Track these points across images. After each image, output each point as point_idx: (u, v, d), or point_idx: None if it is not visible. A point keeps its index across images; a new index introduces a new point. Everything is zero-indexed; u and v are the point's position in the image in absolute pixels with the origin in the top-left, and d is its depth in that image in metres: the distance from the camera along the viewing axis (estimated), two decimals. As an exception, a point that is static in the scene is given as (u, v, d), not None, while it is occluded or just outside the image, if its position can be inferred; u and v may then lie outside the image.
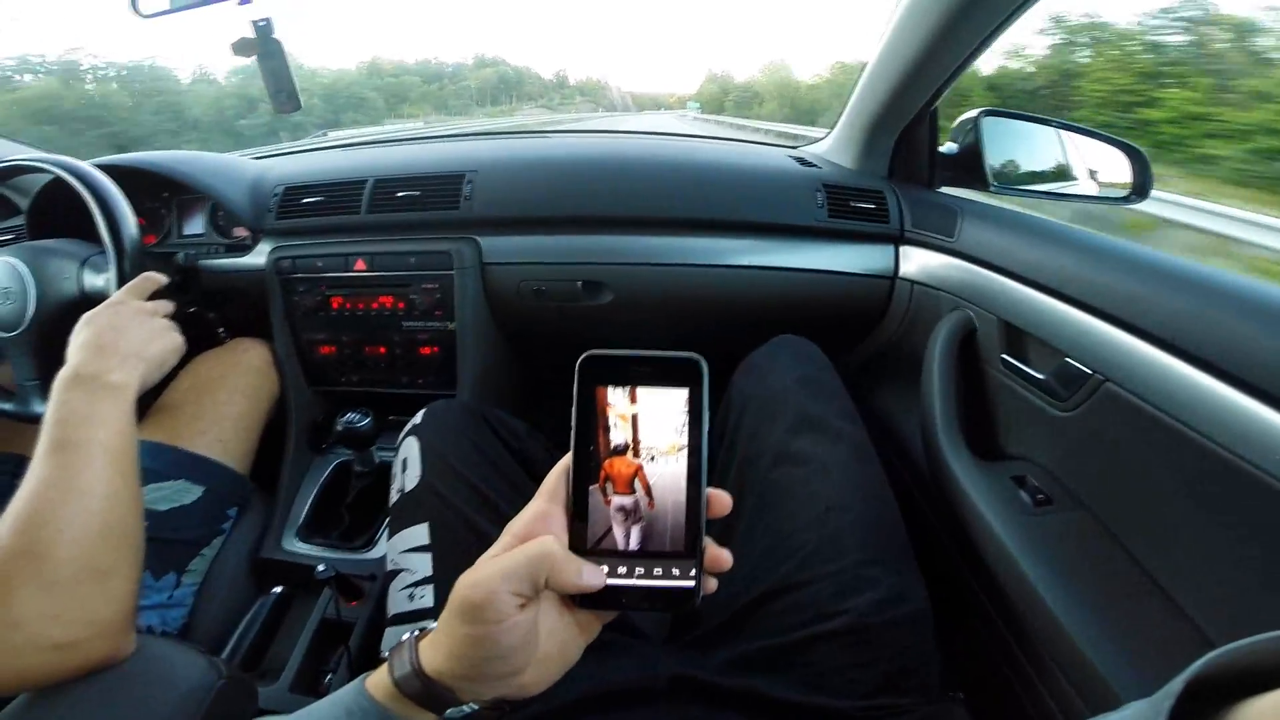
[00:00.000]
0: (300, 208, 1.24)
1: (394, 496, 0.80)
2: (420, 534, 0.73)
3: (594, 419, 0.43)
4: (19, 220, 1.31)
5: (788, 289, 1.21)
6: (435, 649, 0.41)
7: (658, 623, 0.83)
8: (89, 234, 1.04)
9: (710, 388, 0.43)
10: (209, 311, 1.28)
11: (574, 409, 0.43)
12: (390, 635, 0.73)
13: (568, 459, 0.44)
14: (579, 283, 1.21)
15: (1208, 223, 4.15)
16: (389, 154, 1.47)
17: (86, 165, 1.03)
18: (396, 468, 0.82)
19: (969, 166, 1.13)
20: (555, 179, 1.24)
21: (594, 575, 0.41)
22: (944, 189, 1.21)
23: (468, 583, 0.40)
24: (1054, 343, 0.81)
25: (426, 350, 1.24)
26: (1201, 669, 0.27)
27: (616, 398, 0.43)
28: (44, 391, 1.00)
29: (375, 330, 1.24)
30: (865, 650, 0.65)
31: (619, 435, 0.43)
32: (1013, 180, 1.14)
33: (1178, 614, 0.66)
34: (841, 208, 1.19)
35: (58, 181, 1.04)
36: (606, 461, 0.43)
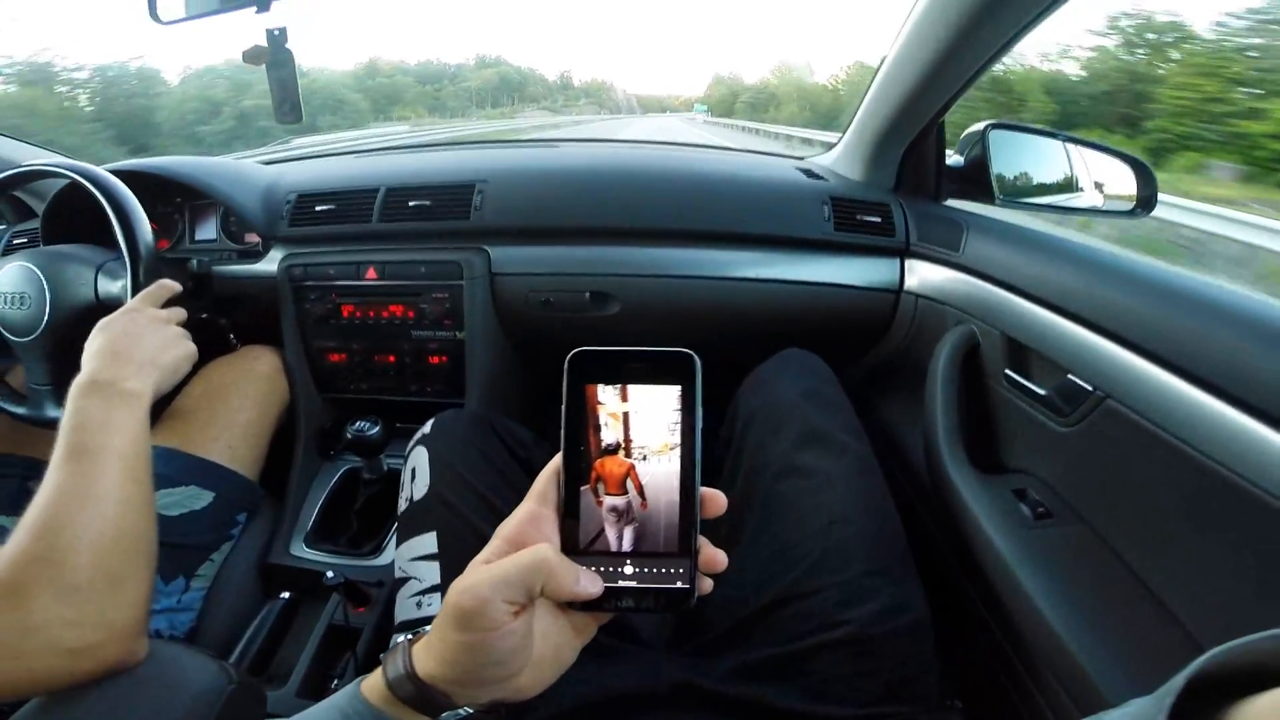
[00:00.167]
0: (313, 215, 1.25)
1: (403, 505, 0.81)
2: (428, 542, 0.74)
3: (584, 418, 0.43)
4: (34, 224, 1.32)
5: (793, 302, 1.21)
6: (429, 654, 0.41)
7: (660, 630, 0.84)
8: (104, 239, 1.04)
9: (711, 391, 0.43)
10: (221, 318, 1.29)
11: (563, 408, 0.43)
12: (396, 642, 0.73)
13: (558, 459, 0.44)
14: (586, 294, 1.21)
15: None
16: (400, 162, 1.48)
17: (102, 171, 1.04)
18: (405, 476, 0.82)
19: (975, 179, 1.13)
20: (564, 190, 1.25)
21: (591, 582, 0.41)
22: (950, 201, 1.21)
23: (460, 589, 0.39)
24: (1057, 358, 0.82)
25: (435, 359, 1.24)
26: (1203, 666, 0.27)
27: (607, 396, 0.43)
28: (57, 396, 1.01)
29: (385, 339, 1.24)
30: (867, 660, 0.66)
31: (610, 434, 0.43)
32: (1019, 193, 1.14)
33: (1176, 628, 0.66)
34: (848, 221, 1.19)
35: (74, 186, 1.05)
36: (598, 461, 0.43)
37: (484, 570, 0.40)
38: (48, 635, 0.57)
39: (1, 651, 0.56)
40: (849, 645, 0.66)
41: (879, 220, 1.19)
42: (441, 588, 0.71)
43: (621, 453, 0.43)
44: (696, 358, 0.42)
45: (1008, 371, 0.92)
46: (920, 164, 1.21)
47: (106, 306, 0.98)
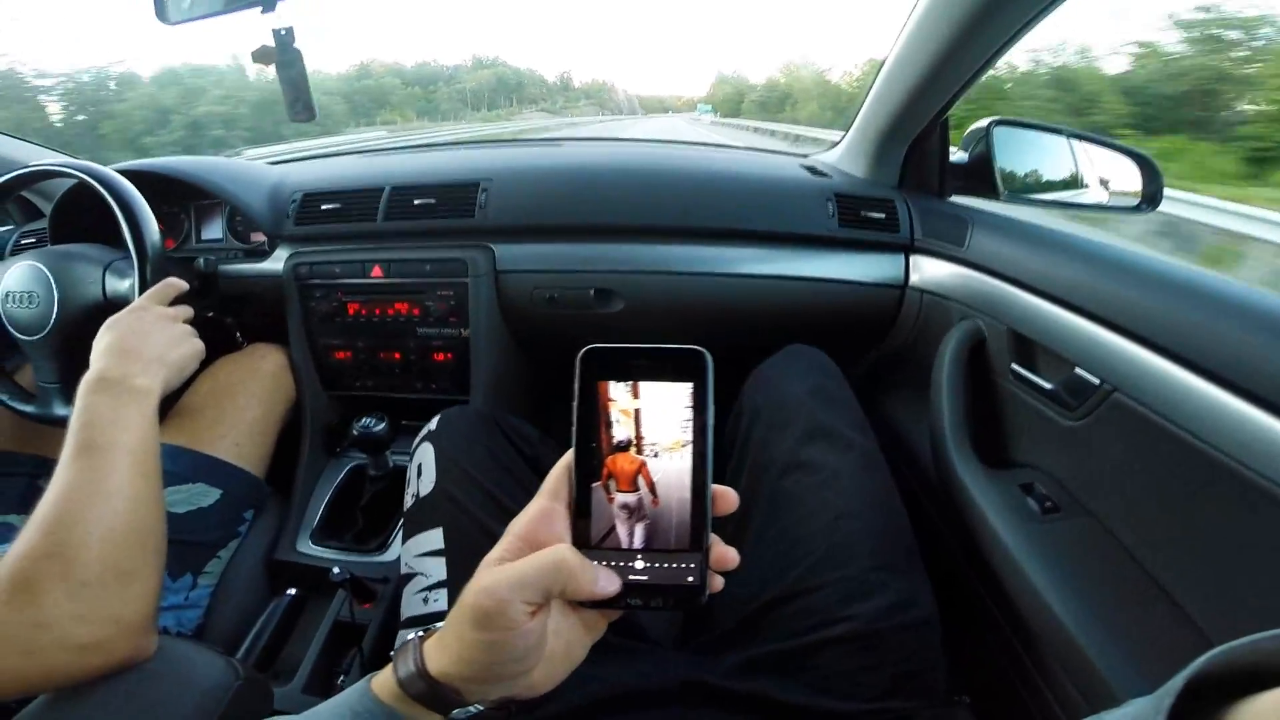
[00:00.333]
0: (318, 214, 1.25)
1: (408, 501, 0.81)
2: (434, 539, 0.74)
3: (596, 415, 0.43)
4: (42, 224, 1.33)
5: (798, 298, 1.21)
6: (443, 651, 0.41)
7: (668, 626, 0.84)
8: (111, 239, 1.05)
9: (716, 388, 0.42)
10: (227, 316, 1.30)
11: (575, 404, 0.43)
12: (403, 638, 0.73)
13: (570, 456, 0.44)
14: (591, 291, 1.21)
15: None
16: (405, 162, 1.48)
17: (110, 171, 1.05)
18: (411, 473, 0.83)
19: (980, 175, 1.13)
20: (568, 187, 1.25)
21: (609, 581, 0.41)
22: (954, 198, 1.21)
23: (479, 589, 0.39)
24: (1063, 353, 0.82)
25: (440, 356, 1.25)
26: (1203, 666, 0.28)
27: (619, 393, 0.43)
28: (65, 394, 1.02)
29: (390, 336, 1.25)
30: (873, 655, 0.65)
31: (621, 431, 0.43)
32: (1023, 189, 1.14)
33: (1184, 622, 0.66)
34: (852, 217, 1.19)
35: (81, 186, 1.06)
36: (609, 458, 0.43)
37: (503, 571, 0.39)
38: (58, 631, 0.58)
39: (12, 647, 0.56)
40: (854, 640, 0.66)
41: (883, 216, 1.19)
42: (448, 583, 0.71)
43: (633, 449, 0.43)
44: (708, 355, 0.42)
45: (1014, 366, 0.92)
46: (924, 160, 1.21)
47: (114, 305, 0.99)
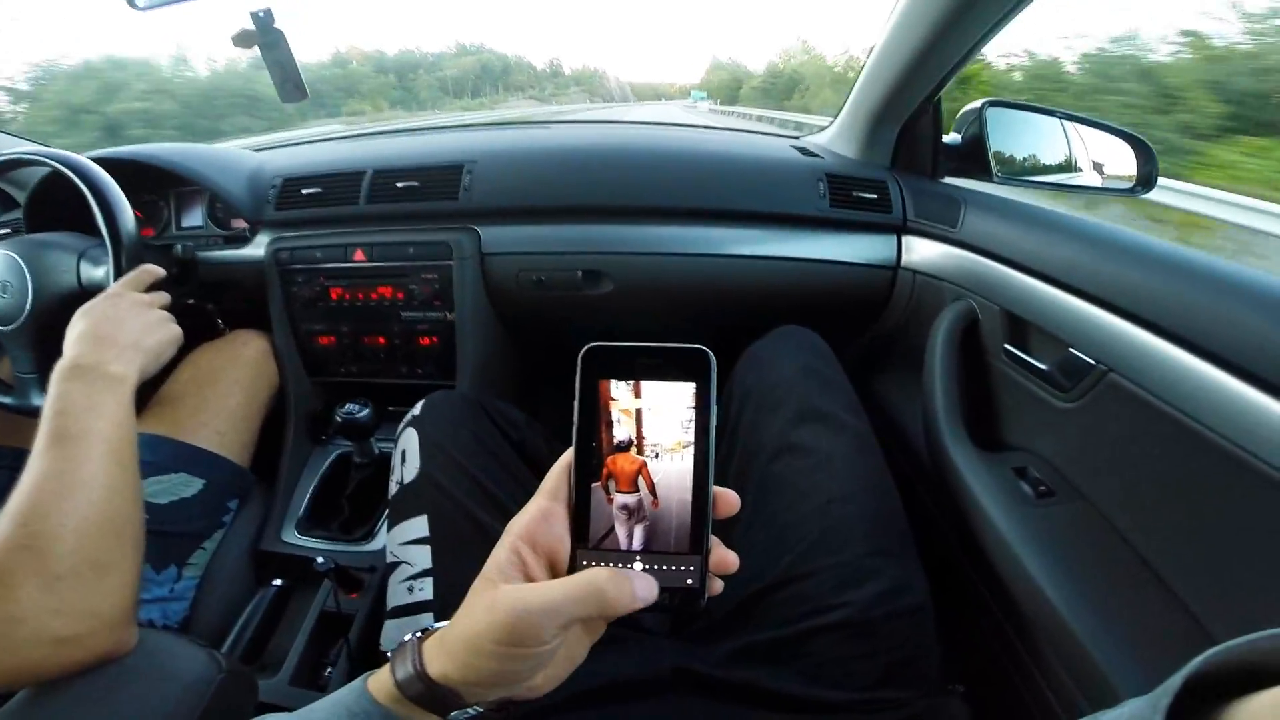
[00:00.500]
0: (299, 199, 1.23)
1: (393, 488, 0.80)
2: (419, 526, 0.73)
3: (596, 414, 0.42)
4: (16, 214, 1.31)
5: (789, 279, 1.20)
6: (448, 656, 0.40)
7: (660, 616, 0.83)
8: (87, 227, 1.03)
9: (717, 381, 0.42)
10: (208, 303, 1.29)
11: (575, 403, 0.42)
12: (390, 628, 0.73)
13: (569, 455, 0.43)
14: (579, 272, 1.20)
15: None
16: (388, 144, 1.46)
17: (83, 158, 1.03)
18: (396, 459, 0.81)
19: (973, 157, 1.12)
20: (555, 169, 1.24)
21: (648, 589, 0.40)
22: (947, 179, 1.20)
23: (514, 610, 0.38)
24: (1058, 333, 0.81)
25: (426, 341, 1.24)
26: (1200, 666, 0.27)
27: (620, 392, 0.42)
28: (43, 384, 0.99)
29: (374, 321, 1.23)
30: (866, 642, 0.65)
31: (622, 431, 0.42)
32: (1017, 171, 1.13)
33: (1178, 607, 0.66)
34: (844, 198, 1.18)
35: (55, 175, 1.04)
36: (609, 458, 0.42)
37: (537, 595, 0.39)
38: (34, 625, 0.56)
39: None
40: (847, 628, 0.65)
41: (875, 197, 1.18)
42: (433, 571, 0.70)
43: (634, 450, 0.42)
44: (712, 355, 0.42)
45: (1007, 346, 0.91)
46: (917, 141, 1.20)
47: (89, 293, 0.97)
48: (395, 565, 0.74)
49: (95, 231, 1.00)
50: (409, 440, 0.80)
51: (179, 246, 1.21)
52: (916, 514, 0.82)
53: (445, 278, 1.18)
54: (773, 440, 0.82)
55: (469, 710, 0.42)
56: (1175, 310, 0.65)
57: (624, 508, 0.42)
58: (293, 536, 1.13)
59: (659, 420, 0.42)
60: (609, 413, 0.42)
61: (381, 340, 1.25)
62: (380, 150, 1.36)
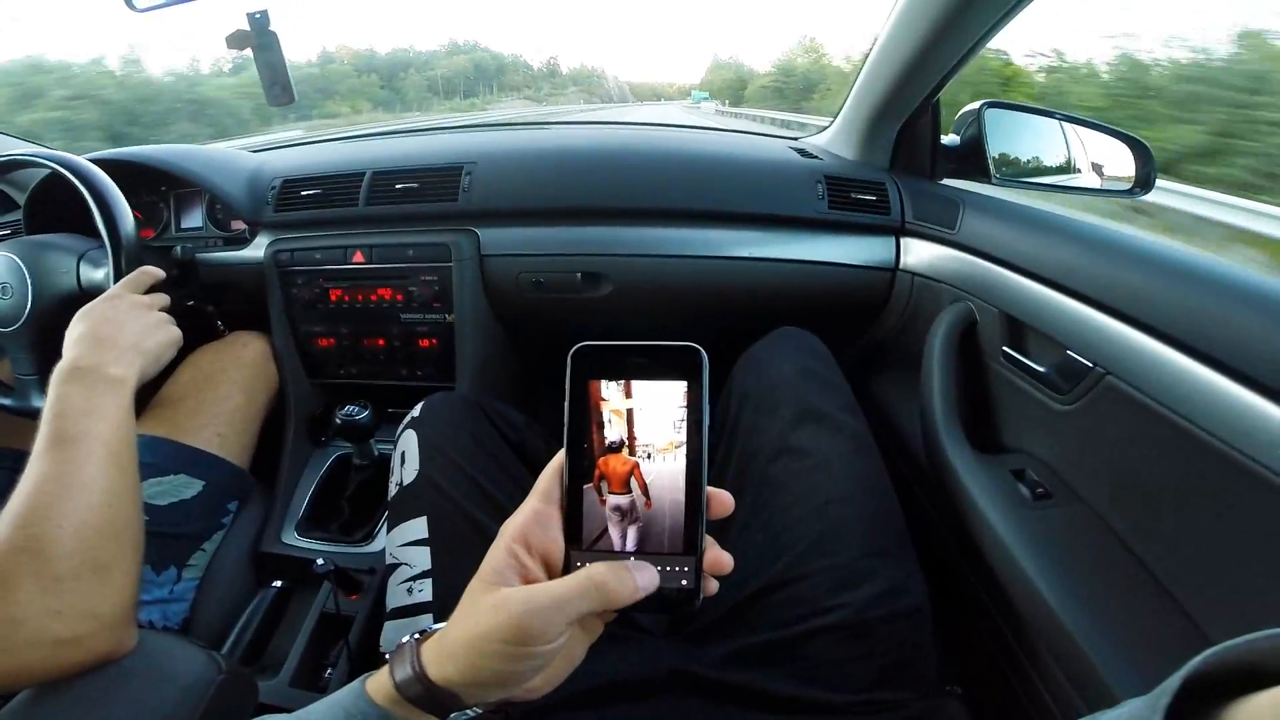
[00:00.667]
0: (298, 200, 1.23)
1: (392, 490, 0.80)
2: (419, 528, 0.73)
3: (587, 415, 0.42)
4: (16, 215, 1.31)
5: (788, 281, 1.20)
6: (448, 658, 0.41)
7: (657, 617, 0.83)
8: (86, 228, 1.03)
9: (710, 380, 0.42)
10: (207, 305, 1.29)
11: (566, 404, 0.42)
12: (389, 629, 0.73)
13: (561, 457, 0.43)
14: (578, 274, 1.20)
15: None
16: (387, 146, 1.46)
17: (83, 160, 1.03)
18: (395, 461, 0.82)
19: (971, 158, 1.12)
20: (554, 170, 1.24)
21: (648, 580, 0.40)
22: (946, 181, 1.20)
23: (522, 609, 0.38)
24: (1056, 336, 0.81)
25: (425, 342, 1.24)
26: (1199, 666, 0.27)
27: (611, 392, 0.42)
28: (42, 386, 1.00)
29: (374, 322, 1.23)
30: (863, 644, 0.65)
31: (614, 432, 0.42)
32: (1015, 172, 1.13)
33: (1175, 610, 0.66)
34: (842, 199, 1.18)
35: (54, 176, 1.04)
36: (601, 459, 0.42)
37: (542, 595, 0.39)
38: (33, 627, 0.56)
39: None
40: (844, 630, 0.65)
41: (874, 199, 1.18)
42: (432, 573, 0.70)
43: (625, 450, 0.42)
44: (704, 353, 0.41)
45: (1006, 349, 0.91)
46: (915, 143, 1.20)
47: (89, 295, 0.97)
48: (395, 567, 0.74)
49: (95, 233, 1.00)
50: (408, 442, 0.80)
51: (178, 248, 1.21)
52: (914, 516, 0.82)
53: (444, 279, 1.18)
54: (771, 442, 0.82)
55: (468, 712, 0.42)
56: (1173, 313, 0.66)
57: (617, 509, 0.42)
58: (292, 538, 1.13)
59: (651, 420, 0.42)
60: (600, 413, 0.42)
61: (381, 342, 1.25)
62: (379, 152, 1.36)
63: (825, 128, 1.39)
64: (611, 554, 0.42)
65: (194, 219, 1.33)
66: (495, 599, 0.39)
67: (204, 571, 1.01)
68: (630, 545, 0.42)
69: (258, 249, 1.24)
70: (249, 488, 1.15)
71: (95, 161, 1.04)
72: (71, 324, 0.80)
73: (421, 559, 0.72)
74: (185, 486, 1.00)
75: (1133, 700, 0.30)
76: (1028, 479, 0.84)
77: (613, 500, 0.42)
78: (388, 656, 0.44)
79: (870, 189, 1.19)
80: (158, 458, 0.98)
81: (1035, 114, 1.14)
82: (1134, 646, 0.64)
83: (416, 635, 0.44)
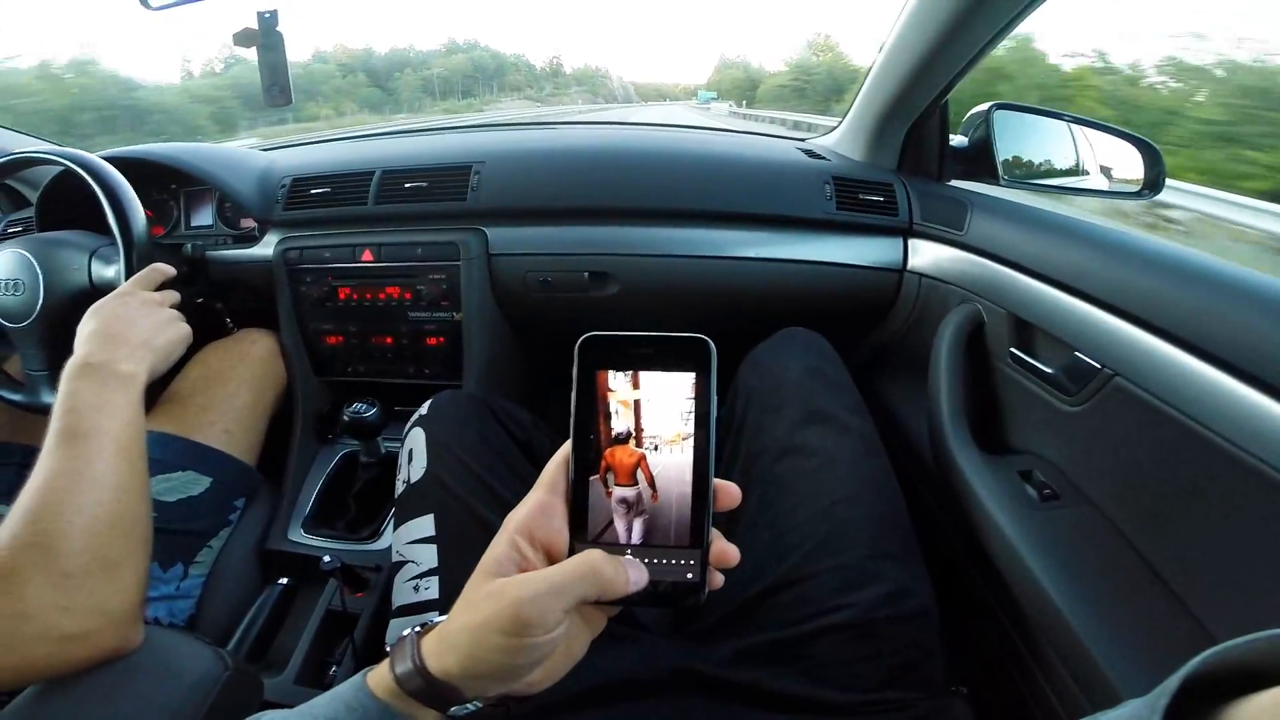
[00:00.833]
0: (308, 199, 1.24)
1: (399, 488, 0.80)
2: (425, 525, 0.74)
3: (594, 405, 0.42)
4: (28, 212, 1.31)
5: (795, 281, 1.20)
6: (448, 650, 0.40)
7: (661, 615, 0.83)
8: (98, 226, 1.04)
9: (717, 376, 0.41)
10: (217, 302, 1.30)
11: (573, 394, 0.42)
12: (395, 627, 0.73)
13: (567, 448, 0.43)
14: (586, 274, 1.20)
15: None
16: (397, 145, 1.47)
17: (96, 158, 1.04)
18: (402, 459, 0.82)
19: (979, 160, 1.12)
20: (563, 170, 1.24)
21: (639, 575, 0.40)
22: (954, 182, 1.20)
23: (518, 599, 0.38)
24: (1064, 337, 0.81)
25: (433, 341, 1.24)
26: (1198, 667, 0.27)
27: (618, 383, 0.42)
28: (53, 382, 1.00)
29: (382, 321, 1.24)
30: (870, 644, 0.65)
31: (620, 423, 0.42)
32: (1024, 174, 1.13)
33: (1183, 612, 0.66)
34: (850, 200, 1.18)
35: (67, 174, 1.05)
36: (607, 451, 0.42)
37: (539, 581, 0.39)
38: (42, 622, 0.57)
39: None
40: (851, 630, 0.65)
41: (881, 199, 1.18)
42: (439, 570, 0.70)
43: (632, 442, 0.42)
44: (711, 343, 0.41)
45: (1013, 350, 0.91)
46: (923, 144, 1.20)
47: (100, 291, 0.98)
48: (401, 564, 0.74)
49: (106, 230, 1.01)
50: (416, 440, 0.81)
51: (189, 246, 1.22)
52: (921, 516, 0.82)
53: (453, 278, 1.19)
54: (777, 441, 0.82)
55: (468, 706, 0.42)
56: (1181, 314, 0.65)
57: (623, 501, 0.42)
58: (299, 535, 1.13)
59: (658, 412, 0.41)
60: (607, 404, 0.42)
61: (389, 340, 1.25)
62: (389, 151, 1.37)
63: (833, 129, 1.39)
64: (617, 546, 0.41)
65: (204, 217, 1.33)
66: (491, 588, 0.39)
67: (211, 568, 1.01)
68: (636, 538, 0.42)
69: (267, 247, 1.25)
70: (256, 485, 1.15)
71: (108, 159, 1.05)
72: (83, 320, 0.81)
73: (428, 556, 0.72)
74: (193, 483, 1.00)
75: (1132, 701, 0.30)
76: (1035, 480, 0.84)
77: (619, 492, 0.42)
78: (390, 650, 0.44)
79: (878, 190, 1.19)
80: (166, 454, 0.99)
81: (1043, 115, 1.14)
82: (1141, 648, 0.64)
83: (417, 629, 0.44)
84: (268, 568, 1.10)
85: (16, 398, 1.03)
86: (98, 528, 0.62)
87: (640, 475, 0.42)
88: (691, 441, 0.41)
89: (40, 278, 1.00)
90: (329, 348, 1.27)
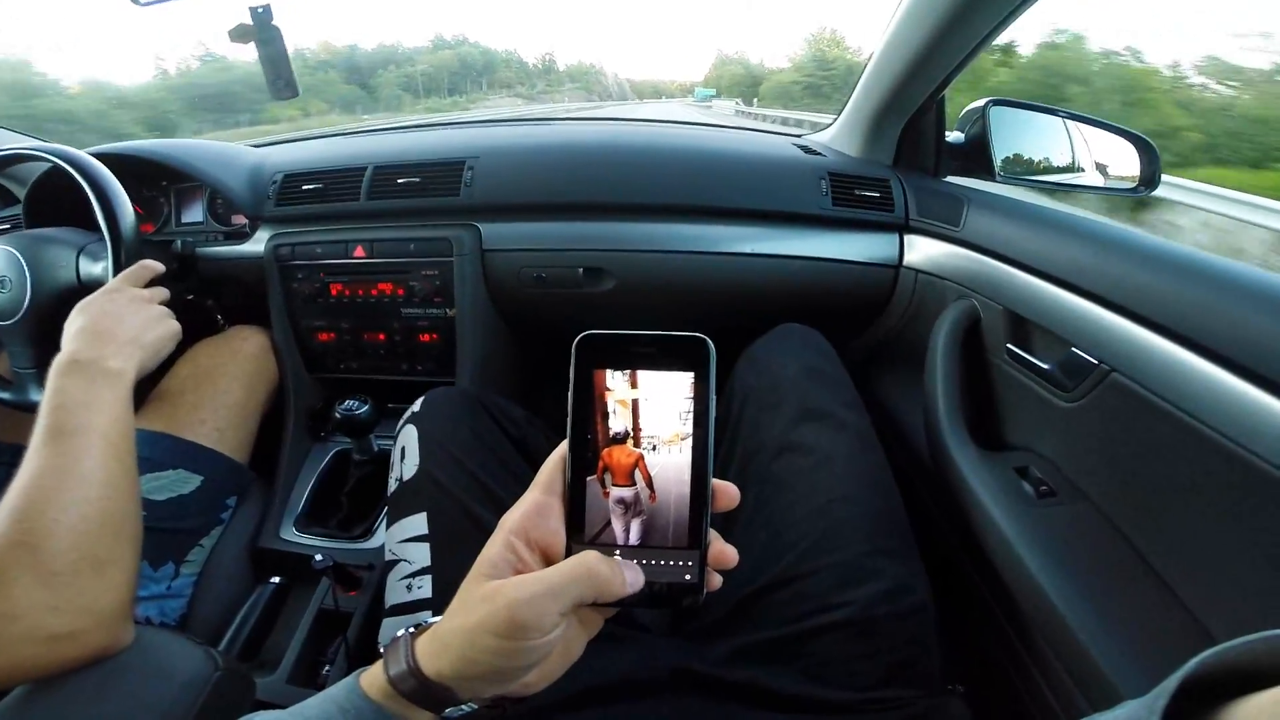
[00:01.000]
0: (299, 195, 1.23)
1: (392, 485, 0.79)
2: (418, 523, 0.73)
3: (591, 405, 0.41)
4: (16, 210, 1.30)
5: (791, 277, 1.20)
6: (442, 651, 0.40)
7: (658, 615, 0.83)
8: (86, 222, 1.03)
9: (716, 372, 0.41)
10: (208, 299, 1.28)
11: (570, 394, 0.41)
12: (388, 626, 0.72)
13: (564, 448, 0.42)
14: (580, 269, 1.20)
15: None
16: (389, 141, 1.46)
17: (83, 154, 1.03)
18: (395, 456, 0.81)
19: (976, 156, 1.12)
20: (557, 165, 1.23)
21: (635, 577, 0.40)
22: (950, 178, 1.20)
23: (514, 601, 0.37)
24: (1060, 333, 0.81)
25: (426, 337, 1.23)
26: (1196, 668, 0.27)
27: (616, 382, 0.41)
28: (41, 380, 0.99)
29: (374, 317, 1.23)
30: (868, 642, 0.64)
31: (618, 423, 0.41)
32: (1020, 170, 1.13)
33: (1180, 608, 0.66)
34: (846, 196, 1.18)
35: (55, 170, 1.04)
36: (605, 451, 0.41)
37: (534, 582, 0.38)
38: (29, 622, 0.56)
39: None
40: (848, 628, 0.65)
41: (878, 195, 1.18)
42: (432, 569, 0.70)
43: (630, 442, 0.41)
44: (711, 343, 0.41)
45: (1010, 346, 0.91)
46: (919, 140, 1.20)
47: (88, 288, 0.97)
48: (394, 563, 0.74)
49: (95, 227, 1.00)
50: (408, 437, 0.80)
51: (178, 242, 1.21)
52: (918, 513, 0.82)
53: (446, 274, 1.18)
54: (774, 439, 0.81)
55: (463, 708, 0.41)
56: (1178, 310, 0.65)
57: (620, 502, 0.41)
58: (291, 534, 1.12)
59: (656, 411, 0.41)
60: (604, 404, 0.41)
61: (381, 337, 1.25)
62: (381, 147, 1.36)
63: (828, 125, 1.38)
64: (614, 547, 0.41)
65: (195, 213, 1.33)
66: (486, 590, 0.39)
67: (202, 567, 1.00)
68: (634, 539, 0.41)
69: (258, 243, 1.24)
70: (248, 483, 1.14)
71: (96, 156, 1.04)
72: (70, 317, 0.80)
73: (421, 555, 0.71)
74: (183, 481, 0.99)
75: (1130, 701, 0.30)
76: (1031, 476, 0.84)
77: (616, 493, 0.41)
78: (383, 651, 0.43)
79: (874, 186, 1.18)
80: (156, 452, 0.98)
81: (1040, 111, 1.14)
82: (1138, 644, 0.64)
83: (411, 629, 0.43)
84: (259, 566, 1.09)
85: (4, 395, 1.03)
86: (86, 526, 0.62)
87: (638, 476, 0.41)
88: (690, 442, 0.41)
89: (27, 275, 0.99)
90: (321, 344, 1.27)
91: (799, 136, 1.46)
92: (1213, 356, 0.61)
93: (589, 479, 0.41)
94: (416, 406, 0.84)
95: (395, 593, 0.72)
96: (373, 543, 1.10)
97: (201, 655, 0.65)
